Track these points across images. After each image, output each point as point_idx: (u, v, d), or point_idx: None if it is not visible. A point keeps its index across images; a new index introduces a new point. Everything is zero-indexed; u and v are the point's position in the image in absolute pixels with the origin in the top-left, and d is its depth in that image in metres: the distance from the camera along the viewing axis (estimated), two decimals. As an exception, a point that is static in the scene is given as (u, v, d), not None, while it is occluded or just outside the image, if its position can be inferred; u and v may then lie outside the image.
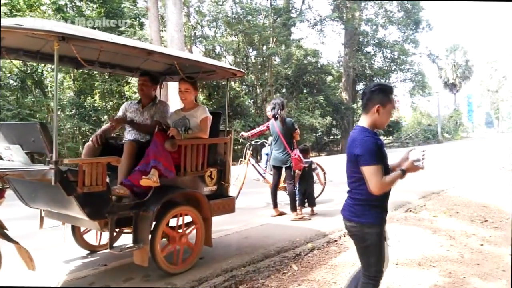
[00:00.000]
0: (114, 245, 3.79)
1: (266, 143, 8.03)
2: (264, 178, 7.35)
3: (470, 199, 7.94)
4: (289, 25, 22.83)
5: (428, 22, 29.79)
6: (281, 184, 6.58)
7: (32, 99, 13.79)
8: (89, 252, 4.43)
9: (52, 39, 2.88)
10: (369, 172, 2.32)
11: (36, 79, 13.97)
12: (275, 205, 6.40)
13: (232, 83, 21.32)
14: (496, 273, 4.03)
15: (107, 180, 3.82)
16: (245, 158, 7.24)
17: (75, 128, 14.72)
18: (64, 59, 3.92)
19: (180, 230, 3.90)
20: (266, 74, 22.25)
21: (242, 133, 7.32)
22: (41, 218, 3.98)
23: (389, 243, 2.59)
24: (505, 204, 7.05)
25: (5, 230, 3.10)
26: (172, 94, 11.61)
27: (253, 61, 22.68)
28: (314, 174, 6.76)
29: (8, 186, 3.51)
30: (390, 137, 30.89)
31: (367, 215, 2.44)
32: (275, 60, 23.28)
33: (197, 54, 20.50)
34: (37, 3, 14.39)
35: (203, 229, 4.01)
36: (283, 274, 4.01)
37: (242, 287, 3.69)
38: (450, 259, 4.44)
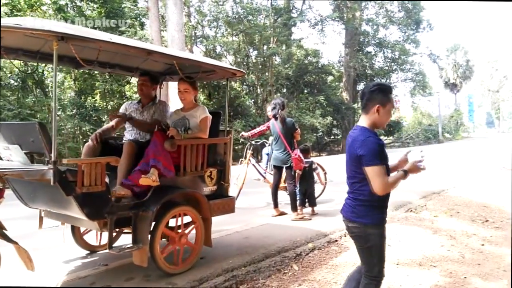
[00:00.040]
0: (114, 245, 3.79)
1: (267, 143, 8.03)
2: (264, 178, 7.35)
3: (471, 199, 7.94)
4: (290, 25, 22.83)
5: (428, 22, 29.85)
6: (282, 184, 6.58)
7: (33, 99, 13.79)
8: (88, 252, 4.42)
9: (51, 39, 2.87)
10: (373, 172, 2.31)
11: (37, 79, 13.97)
12: (275, 205, 6.39)
13: (233, 83, 21.33)
14: (497, 273, 4.03)
15: (107, 180, 3.82)
16: (245, 158, 7.23)
17: (76, 128, 14.72)
18: (63, 59, 3.91)
19: (180, 230, 3.89)
20: (266, 74, 22.25)
21: (243, 133, 7.32)
22: (41, 218, 3.97)
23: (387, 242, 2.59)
24: (506, 204, 7.04)
25: (4, 230, 3.09)
26: (172, 94, 11.61)
27: (254, 61, 22.68)
28: (314, 174, 6.76)
29: (7, 186, 3.50)
30: (391, 137, 30.87)
31: (370, 216, 2.44)
32: (275, 60, 23.29)
33: (197, 54, 20.50)
34: (37, 3, 14.40)
35: (202, 229, 4.00)
36: (284, 274, 4.01)
37: (243, 287, 3.69)
38: (451, 259, 4.44)
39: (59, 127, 13.50)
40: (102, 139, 4.05)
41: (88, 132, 14.29)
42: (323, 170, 7.26)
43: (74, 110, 14.94)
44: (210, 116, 4.20)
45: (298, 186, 6.38)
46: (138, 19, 17.89)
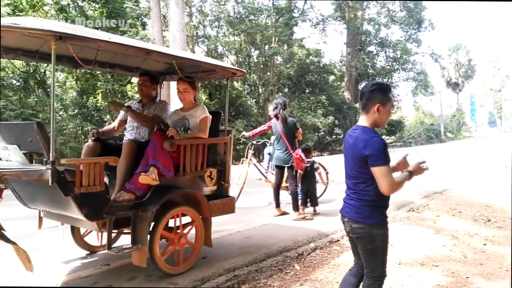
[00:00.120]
0: (114, 245, 3.78)
1: (268, 142, 8.04)
2: (266, 177, 7.35)
3: (473, 199, 7.93)
4: (291, 25, 22.82)
5: (430, 21, 29.87)
6: (284, 184, 6.58)
7: (35, 99, 13.81)
8: (88, 252, 4.41)
9: (49, 39, 2.86)
10: (380, 172, 2.30)
11: (39, 79, 13.99)
12: (277, 204, 6.39)
13: (235, 82, 21.34)
14: (499, 273, 4.02)
15: (106, 180, 3.81)
16: (246, 157, 7.23)
17: (78, 128, 14.74)
18: (63, 59, 3.89)
19: (178, 231, 3.87)
20: (268, 73, 22.25)
21: (244, 132, 7.31)
22: (40, 219, 3.96)
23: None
24: (508, 204, 7.02)
25: (2, 231, 3.08)
26: (174, 94, 11.60)
27: (255, 60, 22.68)
28: (316, 173, 6.75)
29: (6, 186, 3.50)
30: (393, 137, 30.82)
31: (375, 217, 2.43)
32: (277, 60, 23.28)
33: (199, 54, 20.51)
34: (39, 3, 14.42)
35: (202, 229, 3.98)
36: (286, 274, 4.00)
37: (245, 287, 3.69)
38: (453, 259, 4.43)
39: (61, 127, 13.52)
40: (99, 136, 4.05)
41: (90, 132, 14.30)
42: (325, 169, 7.25)
43: (76, 110, 14.95)
44: (210, 116, 4.18)
45: (299, 185, 6.38)
46: (140, 19, 17.90)
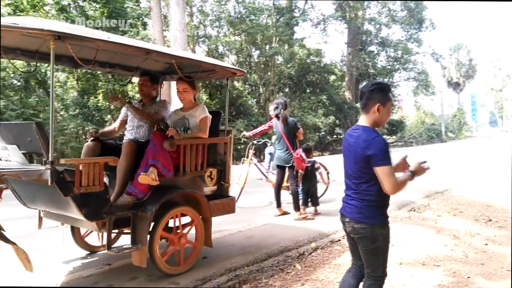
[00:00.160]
0: (115, 245, 3.78)
1: (268, 142, 8.04)
2: (266, 177, 7.35)
3: (474, 199, 7.92)
4: (292, 25, 22.82)
5: (431, 21, 29.88)
6: (285, 184, 6.57)
7: (36, 99, 13.81)
8: (89, 252, 4.41)
9: (48, 38, 2.85)
10: (384, 172, 2.30)
11: (40, 79, 14.00)
12: (278, 204, 6.39)
13: (235, 82, 21.34)
14: (500, 272, 4.01)
15: (106, 180, 3.80)
16: (247, 157, 7.23)
17: (79, 128, 14.75)
18: (62, 59, 3.88)
19: (178, 231, 3.86)
20: (269, 73, 22.25)
21: (244, 132, 7.31)
22: (40, 219, 3.96)
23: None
24: (509, 204, 7.01)
25: (2, 231, 3.08)
26: (175, 94, 11.58)
27: (256, 60, 22.68)
28: (317, 173, 6.75)
29: (6, 186, 3.50)
30: (394, 137, 30.79)
31: (377, 217, 2.43)
32: (278, 60, 23.28)
33: (200, 54, 20.52)
34: (40, 3, 14.43)
35: (202, 229, 3.97)
36: (287, 274, 4.00)
37: (246, 287, 3.68)
38: (454, 259, 4.43)
39: (62, 127, 13.53)
40: (98, 136, 4.04)
41: (88, 132, 14.28)
42: (326, 169, 7.25)
43: (77, 110, 14.95)
44: (210, 116, 4.16)
45: (300, 185, 6.38)
46: (141, 19, 17.90)
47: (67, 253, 4.33)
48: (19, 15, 13.00)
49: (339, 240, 5.06)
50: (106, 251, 3.50)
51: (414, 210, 6.84)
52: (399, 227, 5.57)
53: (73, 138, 13.98)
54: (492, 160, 15.22)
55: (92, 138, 3.98)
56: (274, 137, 6.69)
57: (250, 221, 5.96)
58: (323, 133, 24.02)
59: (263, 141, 8.17)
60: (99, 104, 15.82)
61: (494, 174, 11.31)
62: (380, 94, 2.43)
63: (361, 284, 2.62)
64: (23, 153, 3.31)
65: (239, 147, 16.13)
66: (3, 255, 3.69)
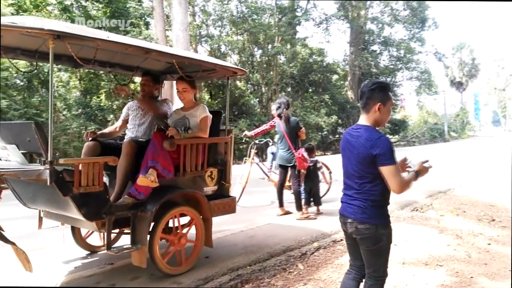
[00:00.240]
0: (115, 245, 3.77)
1: (270, 142, 8.04)
2: (268, 177, 7.35)
3: (477, 198, 7.89)
4: (294, 24, 22.82)
5: (434, 20, 29.81)
6: (287, 183, 6.57)
7: (39, 99, 13.84)
8: (89, 252, 4.40)
9: (47, 38, 2.84)
10: (391, 171, 2.29)
11: (43, 79, 14.01)
12: (281, 204, 6.39)
13: (238, 82, 21.35)
14: (504, 272, 3.99)
15: (106, 180, 3.80)
16: (249, 157, 7.24)
17: (81, 128, 14.77)
18: (62, 58, 3.88)
19: (178, 231, 3.85)
20: (271, 73, 22.24)
21: (246, 132, 7.31)
22: (40, 219, 3.95)
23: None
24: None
25: (1, 231, 3.08)
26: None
27: (258, 60, 22.68)
28: (319, 173, 6.74)
29: (5, 186, 3.50)
30: (396, 136, 30.74)
31: (381, 216, 2.41)
32: (280, 59, 23.26)
33: (202, 54, 20.52)
34: (43, 3, 14.45)
35: (203, 229, 3.95)
36: (289, 273, 4.00)
37: (248, 286, 3.68)
38: (457, 259, 4.41)
39: (65, 126, 13.55)
40: (96, 136, 4.04)
41: (87, 132, 14.28)
42: (328, 169, 7.24)
43: (80, 110, 14.98)
44: (211, 116, 4.15)
45: (303, 185, 6.37)
46: (143, 18, 17.92)
47: (67, 253, 4.32)
48: (22, 15, 13.03)
49: (342, 239, 5.05)
50: (106, 251, 3.49)
51: (417, 209, 6.82)
52: (401, 227, 5.56)
53: (75, 138, 13.97)
54: (495, 160, 15.18)
55: (90, 139, 3.98)
56: (276, 137, 6.69)
57: (252, 220, 5.96)
58: (325, 132, 23.99)
59: (265, 140, 8.17)
60: (101, 104, 15.84)
61: (497, 174, 11.26)
62: (381, 93, 2.42)
63: (362, 284, 2.61)
64: (22, 153, 3.30)
65: (241, 146, 16.13)
66: (2, 255, 3.69)
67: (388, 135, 24.37)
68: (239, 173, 7.14)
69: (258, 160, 7.39)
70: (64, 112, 14.77)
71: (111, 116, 15.45)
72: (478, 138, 39.86)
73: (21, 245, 3.14)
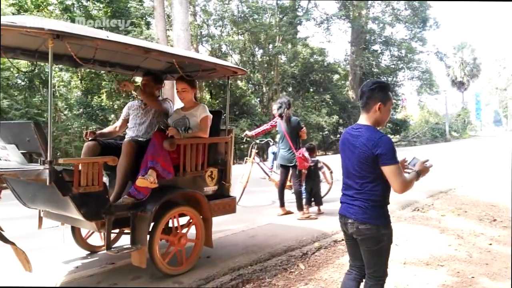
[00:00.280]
0: (115, 245, 3.76)
1: (271, 142, 8.04)
2: (269, 176, 7.35)
3: (478, 198, 7.88)
4: (295, 24, 22.80)
5: (435, 20, 29.74)
6: (288, 183, 6.57)
7: (40, 99, 13.87)
8: (89, 252, 4.40)
9: (47, 37, 2.84)
10: (393, 171, 2.29)
11: (44, 78, 14.04)
12: (282, 204, 6.38)
13: (239, 82, 21.36)
14: (505, 272, 3.99)
15: (106, 180, 3.78)
16: (250, 156, 7.24)
17: (83, 127, 14.80)
18: (62, 58, 3.88)
19: (178, 231, 3.84)
20: (272, 72, 22.25)
21: (247, 132, 7.31)
22: (40, 219, 3.95)
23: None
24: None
25: (1, 231, 3.07)
26: (178, 93, 11.61)
27: (259, 59, 22.68)
28: (320, 173, 6.74)
29: (6, 186, 3.50)
30: (398, 136, 30.73)
31: (382, 216, 2.41)
32: (281, 59, 23.27)
33: (203, 53, 20.52)
34: (44, 3, 14.48)
35: (203, 229, 3.95)
36: (290, 273, 4.00)
37: (249, 286, 3.68)
38: (458, 259, 4.41)
39: (66, 126, 13.58)
40: (95, 135, 4.04)
41: (87, 131, 14.30)
42: (329, 169, 7.24)
43: (81, 109, 15.01)
44: (211, 115, 4.14)
45: (304, 185, 6.37)
46: (144, 18, 17.94)
47: (67, 253, 4.32)
48: (23, 15, 13.06)
49: (343, 239, 5.04)
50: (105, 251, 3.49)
51: (418, 209, 6.82)
52: (403, 227, 5.56)
53: (76, 138, 14.00)
54: (497, 160, 15.15)
55: (90, 138, 3.98)
56: (278, 136, 6.69)
57: (253, 220, 5.96)
58: (326, 132, 24.00)
59: (266, 140, 8.17)
60: (102, 104, 15.87)
61: (499, 174, 11.24)
62: (381, 93, 2.42)
63: (362, 284, 2.60)
64: (22, 153, 3.30)
65: (242, 146, 16.14)
66: (2, 255, 3.69)
67: (389, 135, 24.41)
68: (240, 173, 7.14)
69: (259, 160, 7.39)
70: (66, 112, 14.80)
71: (112, 116, 15.47)
72: (480, 138, 39.79)
73: (21, 245, 3.14)
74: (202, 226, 3.95)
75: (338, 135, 26.20)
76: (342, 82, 28.32)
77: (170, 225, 3.87)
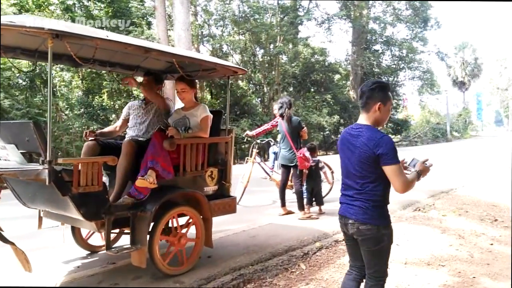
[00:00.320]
0: (115, 245, 3.76)
1: (272, 141, 8.03)
2: (270, 176, 7.34)
3: (479, 198, 7.87)
4: (296, 24, 22.80)
5: (436, 19, 29.73)
6: (289, 183, 6.56)
7: (41, 98, 13.89)
8: (89, 252, 4.40)
9: (46, 37, 2.84)
10: (395, 171, 2.28)
11: (45, 78, 14.05)
12: (283, 203, 6.38)
13: (239, 82, 21.37)
14: (506, 272, 3.98)
15: (106, 180, 3.78)
16: (251, 156, 7.24)
17: (84, 127, 14.81)
18: (62, 57, 3.87)
19: (178, 231, 3.84)
20: (273, 72, 22.24)
21: (247, 132, 7.31)
22: (40, 218, 3.95)
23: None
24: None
25: (1, 231, 3.07)
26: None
27: (260, 59, 22.68)
28: (321, 172, 6.73)
29: (5, 186, 3.50)
30: (399, 136, 30.71)
31: (382, 217, 2.40)
32: (282, 59, 23.27)
33: (204, 53, 20.53)
34: (45, 3, 14.50)
35: (203, 229, 3.94)
36: (291, 273, 3.99)
37: (250, 286, 3.68)
38: (459, 259, 4.40)
39: (67, 126, 13.59)
40: (95, 135, 4.04)
41: (87, 131, 14.31)
42: (330, 169, 7.23)
43: (82, 109, 15.02)
44: (211, 115, 4.14)
45: (305, 185, 6.36)
46: (145, 18, 17.95)
47: (67, 253, 4.31)
48: (24, 15, 13.07)
49: (344, 239, 5.04)
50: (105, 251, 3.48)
51: (419, 209, 6.81)
52: (404, 227, 5.55)
53: (77, 138, 14.02)
54: (498, 160, 15.13)
55: (90, 138, 3.97)
56: (279, 136, 6.69)
57: (254, 220, 5.96)
58: (327, 132, 23.98)
59: (267, 140, 8.17)
60: (103, 104, 15.88)
61: (500, 174, 11.22)
62: (381, 93, 2.41)
63: (362, 284, 2.60)
64: (22, 153, 3.29)
65: (243, 146, 16.14)
66: (2, 255, 3.69)
67: (390, 135, 24.39)
68: (241, 172, 7.14)
69: (260, 160, 7.39)
70: (66, 112, 14.81)
71: (113, 115, 15.48)
72: (481, 138, 39.76)
73: (21, 245, 3.14)
74: (202, 226, 3.94)
75: (339, 135, 26.17)
76: (343, 82, 28.30)
77: (170, 225, 3.86)
